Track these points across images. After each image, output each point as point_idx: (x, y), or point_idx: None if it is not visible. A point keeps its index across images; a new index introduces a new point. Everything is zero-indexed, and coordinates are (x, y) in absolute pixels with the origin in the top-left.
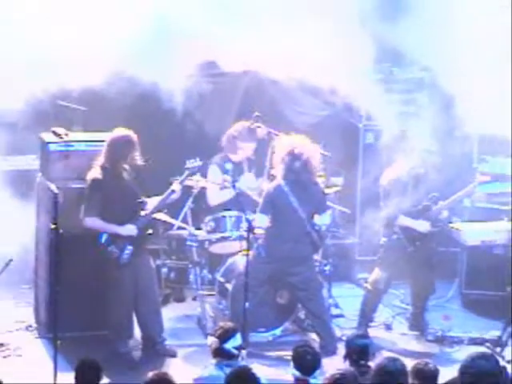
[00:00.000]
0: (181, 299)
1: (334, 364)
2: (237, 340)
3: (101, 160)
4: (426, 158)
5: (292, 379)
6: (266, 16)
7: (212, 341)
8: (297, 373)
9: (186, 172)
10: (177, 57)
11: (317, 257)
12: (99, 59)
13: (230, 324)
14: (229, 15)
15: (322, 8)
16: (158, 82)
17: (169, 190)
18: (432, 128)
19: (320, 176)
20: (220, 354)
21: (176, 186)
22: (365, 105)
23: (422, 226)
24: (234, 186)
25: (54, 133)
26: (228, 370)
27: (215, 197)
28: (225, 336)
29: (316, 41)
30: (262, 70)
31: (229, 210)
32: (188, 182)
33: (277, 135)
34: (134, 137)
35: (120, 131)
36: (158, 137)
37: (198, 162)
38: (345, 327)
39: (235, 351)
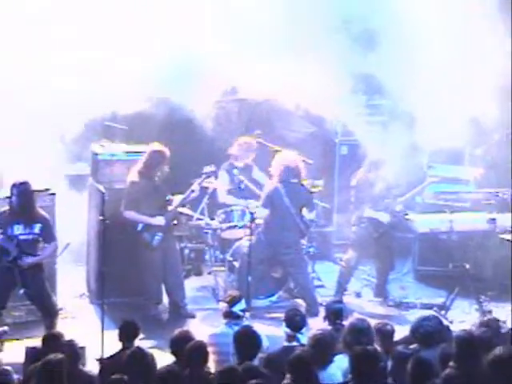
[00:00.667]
0: (199, 274)
1: (316, 323)
2: (242, 305)
3: (139, 166)
4: (383, 166)
5: (284, 335)
6: (273, 55)
7: (223, 305)
8: (288, 330)
9: (203, 176)
10: (205, 84)
11: (303, 241)
12: (141, 86)
13: (236, 292)
14: (250, 53)
15: (312, 46)
16: (187, 104)
17: (189, 190)
18: (392, 142)
19: (304, 180)
20: (229, 315)
21: (195, 187)
22: (341, 124)
23: (384, 217)
24: (239, 188)
25: (102, 145)
26: (235, 328)
27: (223, 196)
28: (233, 302)
29: (308, 74)
30: (273, 97)
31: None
32: (204, 184)
33: (272, 148)
34: (167, 152)
35: (157, 146)
36: (181, 147)
37: (212, 168)
38: (324, 295)
39: (241, 313)
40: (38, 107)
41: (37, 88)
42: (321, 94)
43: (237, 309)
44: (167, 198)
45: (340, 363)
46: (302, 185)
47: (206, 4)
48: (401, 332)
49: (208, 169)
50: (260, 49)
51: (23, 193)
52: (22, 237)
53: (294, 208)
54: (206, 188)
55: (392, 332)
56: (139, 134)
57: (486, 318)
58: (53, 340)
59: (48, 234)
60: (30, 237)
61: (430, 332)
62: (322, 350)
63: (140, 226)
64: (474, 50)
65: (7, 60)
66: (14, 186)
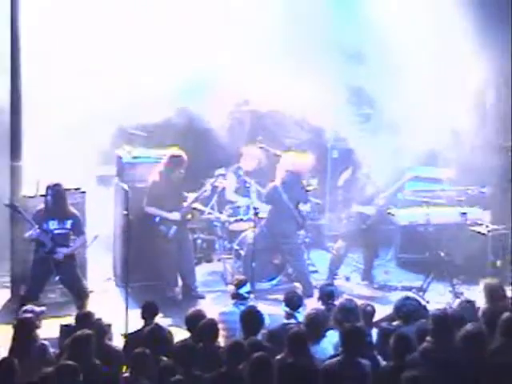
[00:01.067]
0: (209, 261)
1: (311, 303)
2: (247, 288)
3: (160, 167)
4: (368, 167)
5: (283, 313)
6: (277, 70)
7: (231, 288)
8: (287, 309)
9: (215, 177)
10: (219, 96)
11: (300, 232)
12: (163, 99)
13: (243, 277)
14: (258, 68)
15: (310, 62)
16: (204, 114)
17: (203, 189)
18: (378, 147)
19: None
20: (236, 297)
21: (208, 187)
22: (333, 132)
23: (369, 210)
24: (245, 187)
25: (125, 150)
26: (242, 308)
27: (231, 194)
28: (239, 285)
29: (308, 87)
30: (276, 109)
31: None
32: (215, 183)
33: (273, 152)
34: (185, 156)
35: (177, 151)
36: (195, 151)
37: (223, 171)
38: (318, 279)
39: (246, 295)
40: (75, 118)
41: (74, 100)
42: (317, 105)
43: (243, 291)
44: (183, 195)
45: (331, 338)
46: (300, 182)
47: (220, 26)
48: (384, 311)
49: (219, 171)
50: (266, 64)
51: (56, 193)
52: (56, 231)
53: (291, 204)
54: (216, 187)
55: (373, 312)
56: (161, 139)
57: (458, 300)
58: (84, 318)
59: (78, 229)
60: (63, 231)
61: (411, 310)
62: (316, 326)
63: (158, 220)
64: (452, 68)
65: (50, 76)
66: (48, 187)
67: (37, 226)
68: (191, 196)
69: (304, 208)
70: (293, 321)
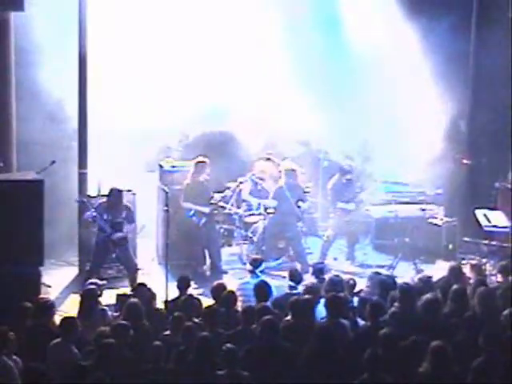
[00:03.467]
0: (230, 245)
1: (308, 278)
2: (262, 266)
3: (191, 172)
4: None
5: (286, 285)
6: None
7: (249, 267)
8: (291, 283)
9: (238, 182)
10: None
11: (299, 223)
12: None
13: (259, 257)
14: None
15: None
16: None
17: (226, 191)
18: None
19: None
20: (252, 272)
21: (231, 190)
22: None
23: (351, 206)
24: (257, 189)
25: (165, 161)
26: (256, 281)
27: (246, 195)
28: (255, 264)
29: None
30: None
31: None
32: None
33: (278, 161)
34: (207, 161)
35: (202, 158)
36: (219, 162)
37: (244, 178)
38: (312, 259)
39: (260, 272)
40: (129, 135)
41: (130, 118)
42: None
43: (257, 269)
44: (210, 194)
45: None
46: (299, 185)
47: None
48: (363, 283)
49: (241, 179)
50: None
51: (115, 193)
52: (113, 220)
53: (293, 200)
54: (235, 189)
55: (354, 284)
56: (194, 154)
57: (419, 275)
58: (138, 289)
59: (130, 218)
60: (119, 220)
61: (382, 282)
62: (311, 295)
63: (191, 213)
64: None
65: (113, 93)
66: (110, 189)
67: (93, 210)
68: (217, 196)
69: (303, 206)
70: (294, 291)
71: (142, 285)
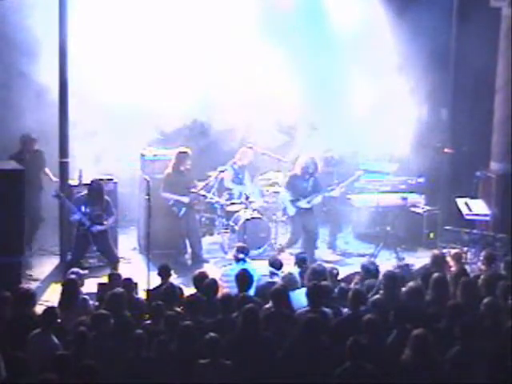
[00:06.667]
0: (211, 234)
1: (290, 267)
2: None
3: (172, 162)
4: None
5: (267, 273)
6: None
7: (234, 253)
8: (271, 269)
9: (218, 171)
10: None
11: None
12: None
13: (242, 245)
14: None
15: None
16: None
17: (208, 180)
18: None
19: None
20: (237, 259)
21: (212, 179)
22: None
23: (335, 193)
24: (238, 177)
25: (147, 150)
26: (239, 268)
27: (228, 183)
28: (243, 251)
29: None
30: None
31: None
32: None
33: (260, 151)
34: (189, 152)
35: (183, 149)
36: (200, 151)
37: (224, 167)
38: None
39: (243, 259)
40: (111, 123)
41: (110, 108)
42: None
43: (241, 256)
44: (193, 183)
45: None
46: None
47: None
48: (345, 271)
49: (221, 168)
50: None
51: (95, 186)
52: (92, 213)
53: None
54: (217, 178)
55: (337, 273)
56: (177, 141)
57: (400, 263)
58: (115, 278)
59: (109, 211)
60: (98, 212)
61: (365, 268)
62: (291, 284)
63: (171, 203)
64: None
65: (95, 84)
66: (91, 181)
67: (78, 212)
68: (200, 185)
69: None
70: (276, 278)
71: (116, 274)
